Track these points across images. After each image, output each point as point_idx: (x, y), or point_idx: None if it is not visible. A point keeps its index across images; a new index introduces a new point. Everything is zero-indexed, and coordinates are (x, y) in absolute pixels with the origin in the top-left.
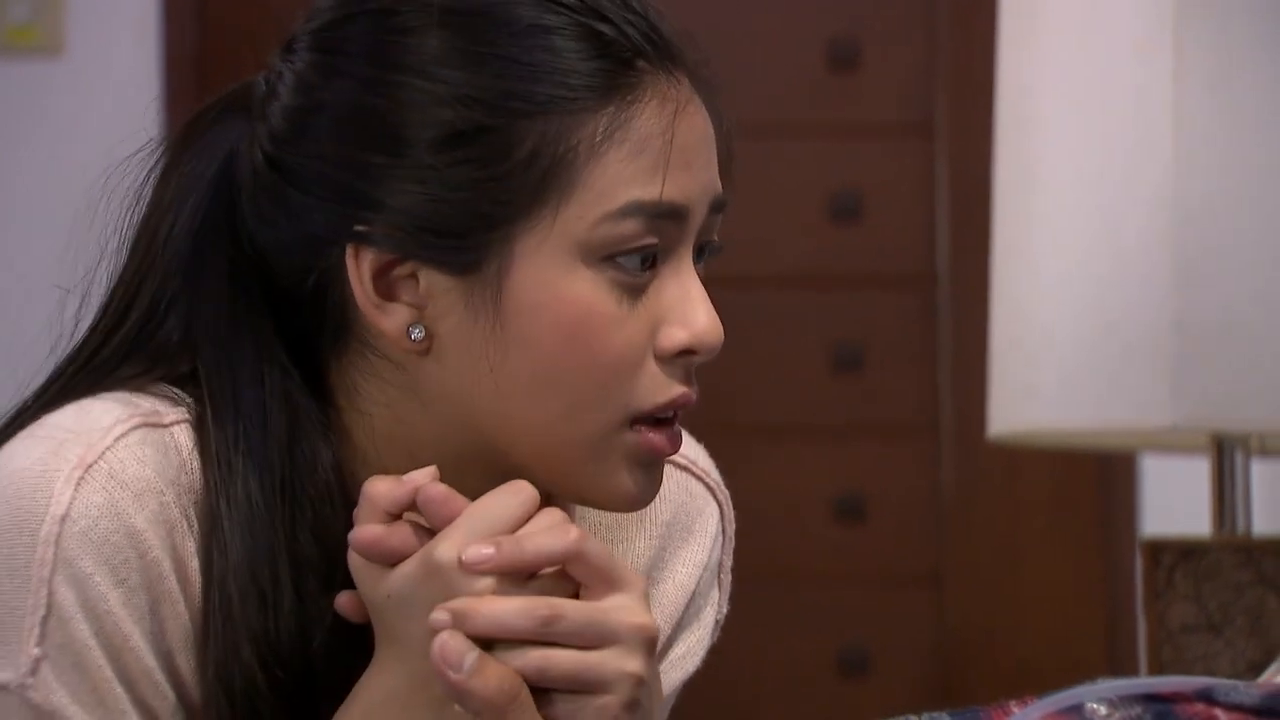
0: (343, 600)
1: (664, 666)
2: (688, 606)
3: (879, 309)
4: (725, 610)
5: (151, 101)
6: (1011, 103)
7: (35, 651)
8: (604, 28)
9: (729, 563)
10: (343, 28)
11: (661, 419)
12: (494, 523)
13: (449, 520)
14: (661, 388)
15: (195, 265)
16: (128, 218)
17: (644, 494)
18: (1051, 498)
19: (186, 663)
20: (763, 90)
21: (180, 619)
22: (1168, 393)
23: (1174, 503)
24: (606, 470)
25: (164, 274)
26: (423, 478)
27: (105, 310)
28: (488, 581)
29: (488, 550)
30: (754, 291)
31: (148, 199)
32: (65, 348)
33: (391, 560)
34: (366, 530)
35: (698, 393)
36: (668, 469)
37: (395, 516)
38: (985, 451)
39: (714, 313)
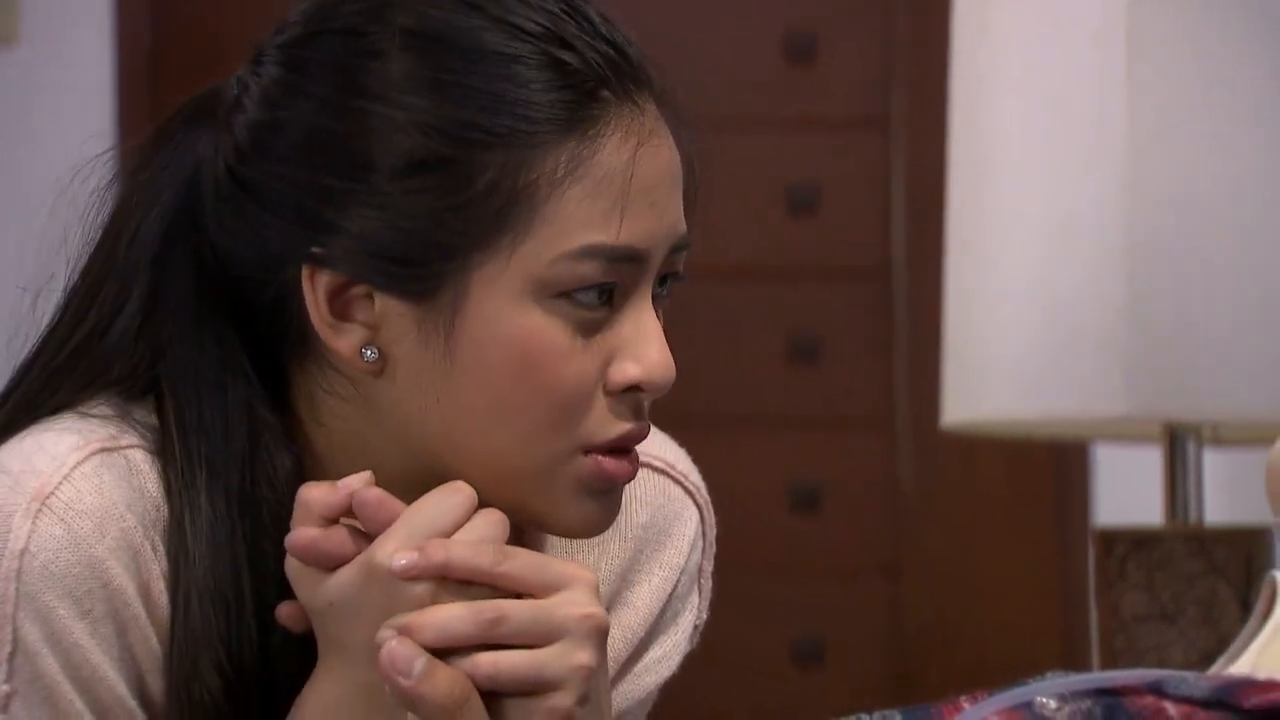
0: (284, 610)
1: (639, 670)
2: (664, 610)
3: (835, 301)
4: (705, 616)
5: (105, 92)
6: (965, 95)
7: (5, 688)
8: (567, 56)
9: (709, 567)
10: (309, 45)
11: (616, 449)
12: (432, 525)
13: (386, 524)
14: (609, 424)
15: (159, 269)
16: (91, 218)
17: (600, 520)
18: (1008, 489)
19: (157, 683)
20: (719, 84)
21: (148, 643)
22: (1121, 382)
23: (1126, 493)
24: (559, 498)
25: (126, 276)
26: (358, 482)
27: (64, 311)
28: (427, 585)
29: (413, 555)
30: (711, 283)
31: (114, 200)
32: (24, 344)
33: (329, 564)
34: (303, 533)
35: (649, 426)
36: (645, 472)
37: (332, 522)
38: (942, 443)
39: (667, 350)
